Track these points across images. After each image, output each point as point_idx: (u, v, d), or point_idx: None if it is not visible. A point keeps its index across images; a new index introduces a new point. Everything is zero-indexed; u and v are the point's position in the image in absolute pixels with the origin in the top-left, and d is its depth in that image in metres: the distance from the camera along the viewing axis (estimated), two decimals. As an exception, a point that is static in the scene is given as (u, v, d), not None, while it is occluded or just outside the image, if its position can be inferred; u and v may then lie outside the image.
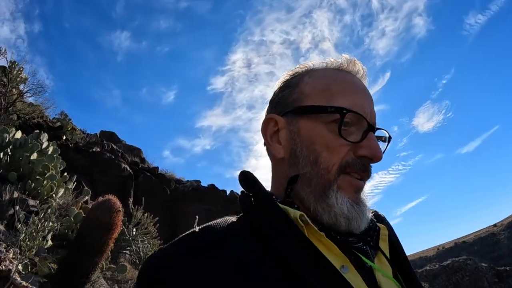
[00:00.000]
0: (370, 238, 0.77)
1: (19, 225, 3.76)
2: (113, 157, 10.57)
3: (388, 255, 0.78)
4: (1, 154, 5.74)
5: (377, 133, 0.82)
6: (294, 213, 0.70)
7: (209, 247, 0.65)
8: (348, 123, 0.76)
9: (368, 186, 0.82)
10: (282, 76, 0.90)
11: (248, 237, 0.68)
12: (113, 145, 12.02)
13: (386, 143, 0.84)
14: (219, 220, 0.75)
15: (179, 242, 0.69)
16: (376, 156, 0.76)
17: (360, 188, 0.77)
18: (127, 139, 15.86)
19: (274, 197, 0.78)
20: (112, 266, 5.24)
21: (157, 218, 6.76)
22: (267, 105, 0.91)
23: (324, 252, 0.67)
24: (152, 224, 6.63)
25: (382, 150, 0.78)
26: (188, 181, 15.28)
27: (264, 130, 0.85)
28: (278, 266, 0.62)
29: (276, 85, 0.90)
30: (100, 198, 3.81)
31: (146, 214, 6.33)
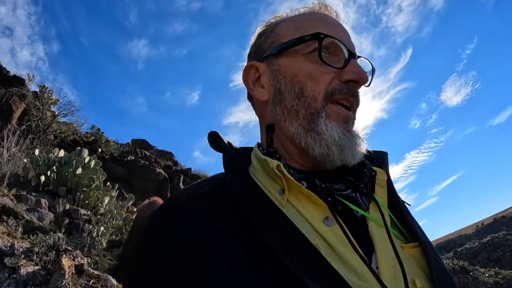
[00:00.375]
0: (364, 185, 0.72)
1: (90, 226, 4.28)
2: (147, 163, 11.02)
3: (386, 202, 0.72)
4: (49, 172, 6.34)
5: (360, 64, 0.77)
6: (272, 163, 0.68)
7: (178, 213, 0.67)
8: (327, 49, 0.74)
9: (358, 120, 0.78)
10: (257, 29, 0.88)
11: (218, 196, 0.69)
12: (145, 152, 12.48)
13: (371, 76, 0.79)
14: (205, 179, 0.79)
15: (155, 213, 0.72)
16: (362, 78, 0.73)
17: (349, 118, 0.74)
18: (158, 145, 16.26)
19: (260, 148, 0.78)
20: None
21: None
22: (246, 61, 0.89)
23: (306, 204, 0.64)
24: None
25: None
26: (221, 178, 15.36)
27: (246, 78, 0.83)
28: (241, 223, 0.62)
29: (252, 38, 0.88)
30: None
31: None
